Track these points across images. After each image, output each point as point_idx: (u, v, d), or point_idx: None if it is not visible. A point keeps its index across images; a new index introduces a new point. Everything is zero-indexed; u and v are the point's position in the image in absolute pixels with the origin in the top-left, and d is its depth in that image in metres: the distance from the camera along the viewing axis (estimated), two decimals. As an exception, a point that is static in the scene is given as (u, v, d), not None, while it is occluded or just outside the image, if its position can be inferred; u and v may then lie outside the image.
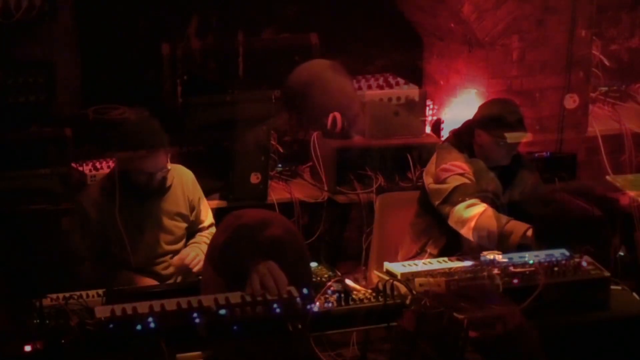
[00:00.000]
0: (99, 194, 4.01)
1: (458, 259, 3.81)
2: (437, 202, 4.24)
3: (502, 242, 3.91)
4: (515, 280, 3.51)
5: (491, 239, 3.96)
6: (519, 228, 3.92)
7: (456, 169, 4.23)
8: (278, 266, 2.10)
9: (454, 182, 4.19)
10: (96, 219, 3.96)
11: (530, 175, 4.47)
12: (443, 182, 4.23)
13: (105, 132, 4.96)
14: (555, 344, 2.78)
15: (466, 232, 4.08)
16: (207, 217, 4.25)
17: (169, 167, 4.01)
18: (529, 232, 3.87)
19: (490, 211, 4.05)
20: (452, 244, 4.28)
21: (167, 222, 4.09)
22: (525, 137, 4.36)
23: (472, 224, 4.04)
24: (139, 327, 2.22)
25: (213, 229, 4.17)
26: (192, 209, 4.17)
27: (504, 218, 4.00)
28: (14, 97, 5.04)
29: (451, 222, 4.16)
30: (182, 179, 4.15)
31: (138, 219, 4.02)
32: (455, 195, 4.15)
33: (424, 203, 4.44)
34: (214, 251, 2.47)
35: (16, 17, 5.01)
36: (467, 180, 4.20)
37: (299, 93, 5.34)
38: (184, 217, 4.15)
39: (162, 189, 4.03)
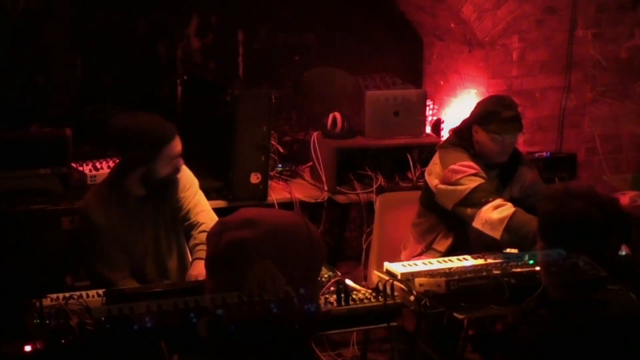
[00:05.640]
0: (100, 204, 3.88)
1: (478, 257, 3.83)
2: (452, 204, 4.14)
3: (534, 242, 3.86)
4: (513, 280, 3.53)
5: (525, 240, 3.87)
6: None
7: (467, 169, 4.15)
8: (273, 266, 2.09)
9: (470, 182, 4.10)
10: (106, 228, 3.84)
11: (530, 172, 4.44)
12: (456, 183, 4.13)
13: (109, 138, 4.85)
14: (552, 343, 2.79)
15: (496, 233, 3.98)
16: (199, 205, 4.04)
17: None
18: None
19: (521, 212, 3.97)
20: (460, 242, 4.26)
21: (165, 220, 4.01)
22: (521, 134, 4.29)
23: (504, 225, 3.95)
24: (135, 327, 2.22)
25: (205, 217, 4.01)
26: (178, 200, 4.02)
27: (535, 218, 3.93)
28: (12, 97, 5.05)
29: (476, 224, 4.05)
30: None
31: (139, 223, 3.94)
32: (477, 196, 4.06)
33: (427, 203, 4.38)
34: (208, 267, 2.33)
35: (13, 17, 5.03)
36: (482, 180, 4.11)
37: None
38: (177, 214, 4.04)
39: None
